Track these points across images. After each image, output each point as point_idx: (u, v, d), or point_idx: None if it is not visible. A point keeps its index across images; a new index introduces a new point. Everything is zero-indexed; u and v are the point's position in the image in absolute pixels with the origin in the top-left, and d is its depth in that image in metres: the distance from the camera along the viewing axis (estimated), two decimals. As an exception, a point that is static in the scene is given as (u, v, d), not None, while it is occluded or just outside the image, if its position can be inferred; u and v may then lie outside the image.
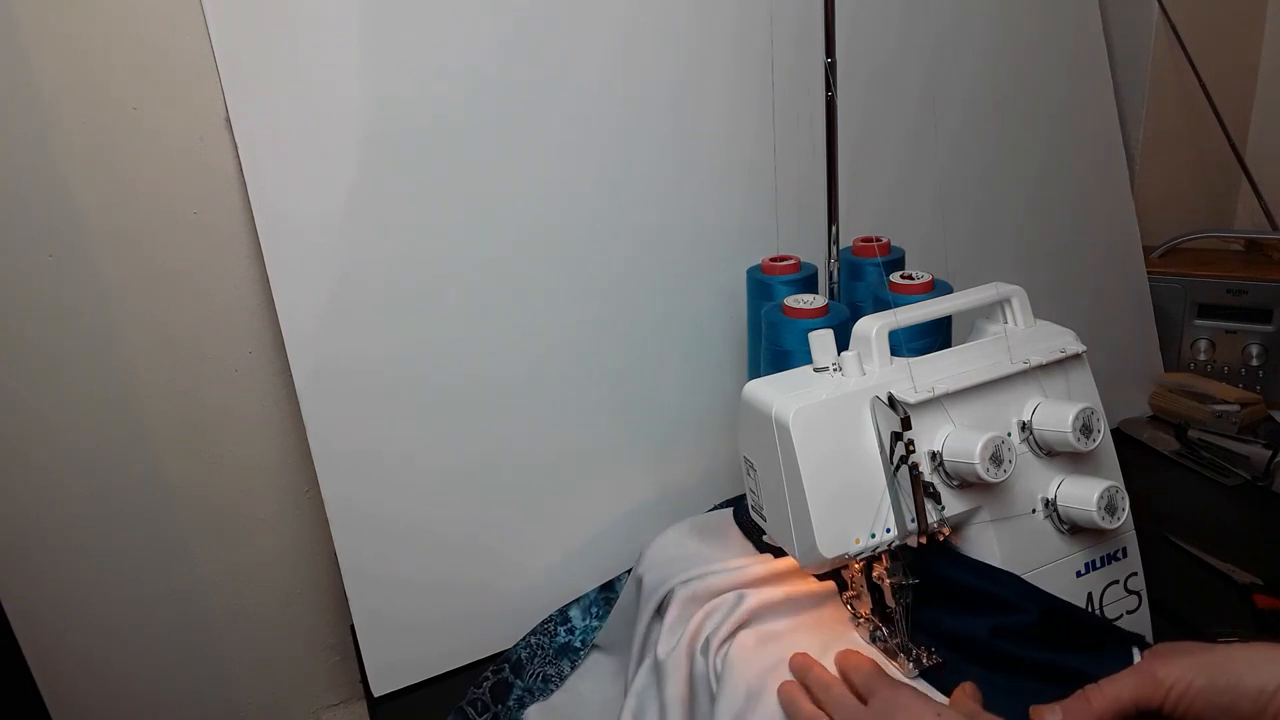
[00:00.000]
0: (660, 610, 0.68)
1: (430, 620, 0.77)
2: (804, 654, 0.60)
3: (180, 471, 0.79)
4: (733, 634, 0.63)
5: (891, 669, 0.60)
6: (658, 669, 0.65)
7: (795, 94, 0.81)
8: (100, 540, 0.78)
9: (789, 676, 0.60)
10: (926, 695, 0.53)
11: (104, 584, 0.79)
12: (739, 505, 0.75)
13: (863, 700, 0.55)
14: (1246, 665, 0.46)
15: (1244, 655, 0.47)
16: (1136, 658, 0.53)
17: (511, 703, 0.72)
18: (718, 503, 0.79)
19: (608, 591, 0.79)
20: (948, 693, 0.57)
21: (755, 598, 0.64)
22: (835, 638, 0.62)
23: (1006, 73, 0.95)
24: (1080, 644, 0.59)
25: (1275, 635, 0.70)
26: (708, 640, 0.63)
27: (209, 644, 0.85)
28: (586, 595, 0.79)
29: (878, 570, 0.61)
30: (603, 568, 0.81)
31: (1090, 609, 0.64)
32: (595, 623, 0.78)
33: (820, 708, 0.55)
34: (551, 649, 0.76)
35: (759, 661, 0.61)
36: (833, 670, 0.59)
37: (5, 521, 0.74)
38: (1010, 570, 0.62)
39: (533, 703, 0.72)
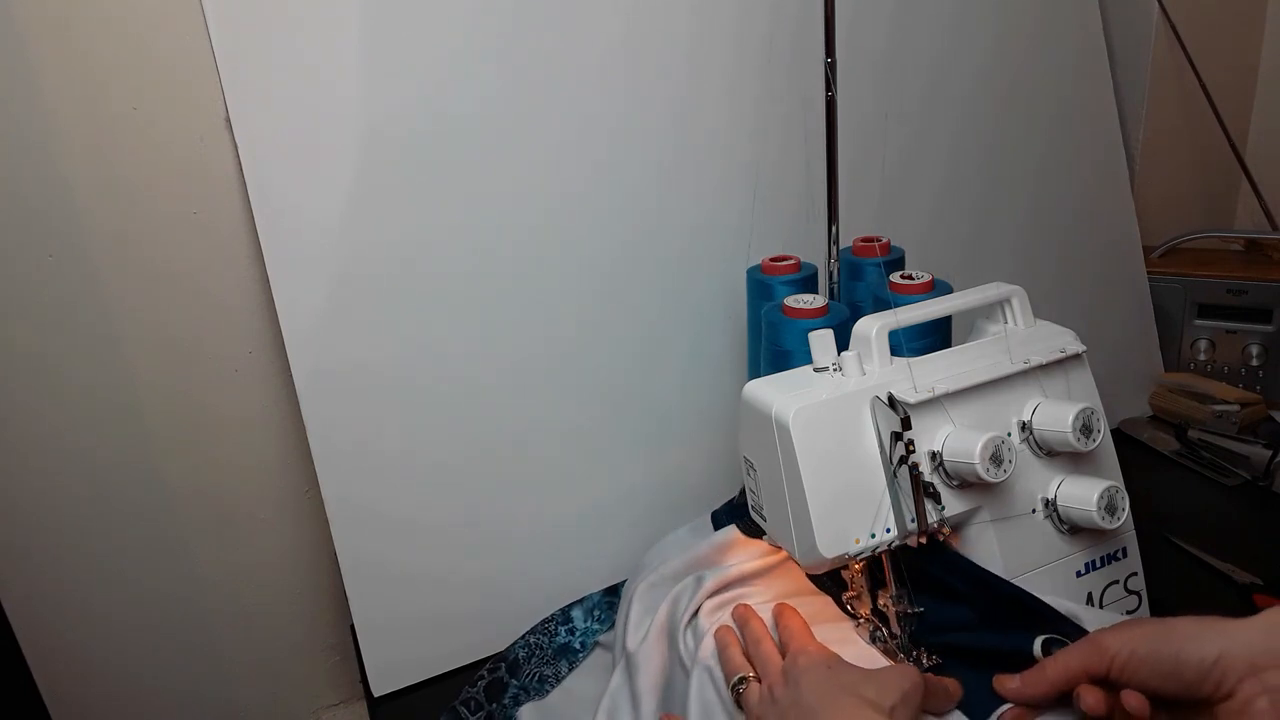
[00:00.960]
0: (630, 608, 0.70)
1: (430, 620, 0.77)
2: (745, 605, 0.64)
3: (180, 471, 0.79)
4: (697, 611, 0.66)
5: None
6: (629, 663, 0.65)
7: (795, 94, 0.81)
8: (100, 540, 0.78)
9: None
10: (832, 653, 0.57)
11: (104, 584, 0.79)
12: (722, 507, 0.76)
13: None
14: (1188, 636, 0.48)
15: (1186, 627, 0.49)
16: (1036, 648, 0.55)
17: (506, 701, 0.72)
18: (721, 504, 0.79)
19: (611, 595, 0.79)
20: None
21: (712, 579, 0.67)
22: (782, 594, 0.67)
23: (1006, 73, 0.95)
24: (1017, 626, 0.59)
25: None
26: (676, 623, 0.65)
27: (209, 644, 0.85)
28: (590, 596, 0.79)
29: (883, 599, 0.61)
30: (603, 568, 0.81)
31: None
32: (597, 625, 0.78)
33: (748, 660, 0.60)
34: (551, 649, 0.76)
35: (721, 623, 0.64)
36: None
37: (5, 521, 0.74)
38: (1009, 571, 0.62)
39: (528, 701, 0.72)
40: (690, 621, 0.66)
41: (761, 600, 0.66)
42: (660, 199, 0.81)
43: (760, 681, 0.57)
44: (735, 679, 0.58)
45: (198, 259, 0.75)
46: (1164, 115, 1.10)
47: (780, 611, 0.63)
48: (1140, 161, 1.09)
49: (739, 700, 0.58)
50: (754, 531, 0.71)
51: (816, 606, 0.66)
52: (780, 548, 0.68)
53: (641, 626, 0.67)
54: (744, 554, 0.70)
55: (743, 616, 0.63)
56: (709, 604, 0.66)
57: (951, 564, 0.62)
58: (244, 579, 0.84)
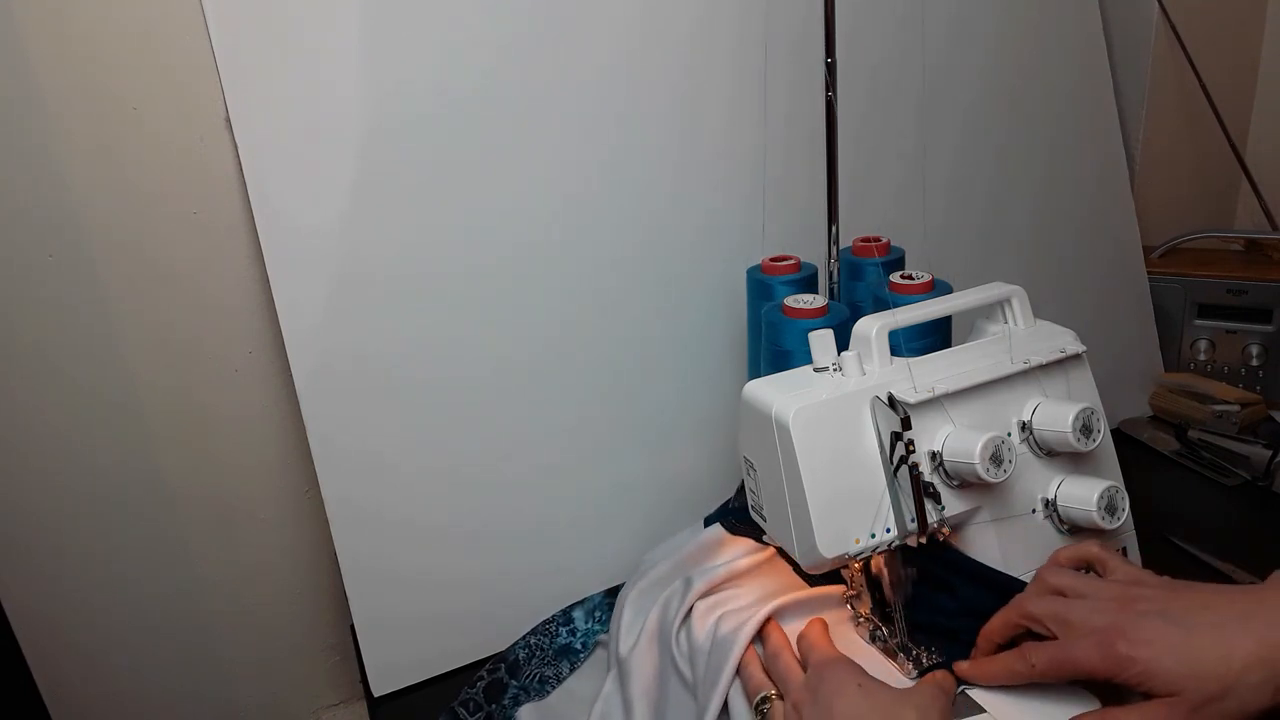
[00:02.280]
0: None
1: (430, 620, 0.77)
2: (774, 624, 0.62)
3: (180, 471, 0.79)
4: (688, 614, 0.65)
5: (891, 669, 0.60)
6: (621, 669, 0.65)
7: (796, 94, 0.81)
8: (100, 540, 0.78)
9: (731, 626, 0.62)
10: (857, 666, 0.55)
11: (104, 584, 0.79)
12: (715, 512, 0.76)
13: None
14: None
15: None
16: None
17: (506, 701, 0.72)
18: (715, 508, 0.79)
19: (613, 596, 0.79)
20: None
21: (701, 581, 0.67)
22: (773, 593, 0.65)
23: (1006, 73, 0.95)
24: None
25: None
26: (668, 627, 0.65)
27: (209, 644, 0.85)
28: (591, 597, 0.79)
29: (876, 563, 0.61)
30: (603, 568, 0.81)
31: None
32: (598, 626, 0.78)
33: (768, 675, 0.58)
34: (551, 649, 0.76)
35: (712, 624, 0.64)
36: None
37: (5, 521, 0.74)
38: (1011, 570, 0.62)
39: (527, 701, 0.72)
40: (683, 623, 0.65)
41: (753, 599, 0.66)
42: (660, 200, 0.81)
43: (783, 699, 0.56)
44: (757, 699, 0.57)
45: (198, 259, 0.75)
46: (1164, 115, 1.10)
47: (807, 626, 0.61)
48: (1140, 161, 1.09)
49: None
50: (738, 530, 0.71)
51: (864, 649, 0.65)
52: (766, 544, 0.69)
53: (633, 631, 0.68)
54: (731, 552, 0.70)
55: (765, 632, 0.62)
56: (701, 605, 0.66)
57: (952, 563, 0.62)
58: (244, 579, 0.84)
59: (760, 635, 0.62)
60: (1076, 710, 0.52)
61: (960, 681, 0.56)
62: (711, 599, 0.66)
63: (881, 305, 0.68)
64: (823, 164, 0.72)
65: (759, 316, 0.73)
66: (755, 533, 0.70)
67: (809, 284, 0.74)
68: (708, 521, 0.77)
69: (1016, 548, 0.63)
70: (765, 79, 0.81)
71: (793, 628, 0.63)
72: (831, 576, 0.66)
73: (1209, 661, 0.46)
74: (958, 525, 0.63)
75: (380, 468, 0.74)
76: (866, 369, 0.61)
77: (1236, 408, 0.97)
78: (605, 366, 0.81)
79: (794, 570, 0.68)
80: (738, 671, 0.60)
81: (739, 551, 0.70)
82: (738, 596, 0.66)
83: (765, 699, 0.56)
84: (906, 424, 0.57)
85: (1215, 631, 0.47)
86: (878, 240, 0.77)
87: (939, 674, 0.56)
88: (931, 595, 0.62)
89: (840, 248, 0.75)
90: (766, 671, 0.59)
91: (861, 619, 0.63)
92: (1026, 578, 0.62)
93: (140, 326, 0.75)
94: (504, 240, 0.76)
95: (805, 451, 0.58)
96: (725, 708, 0.59)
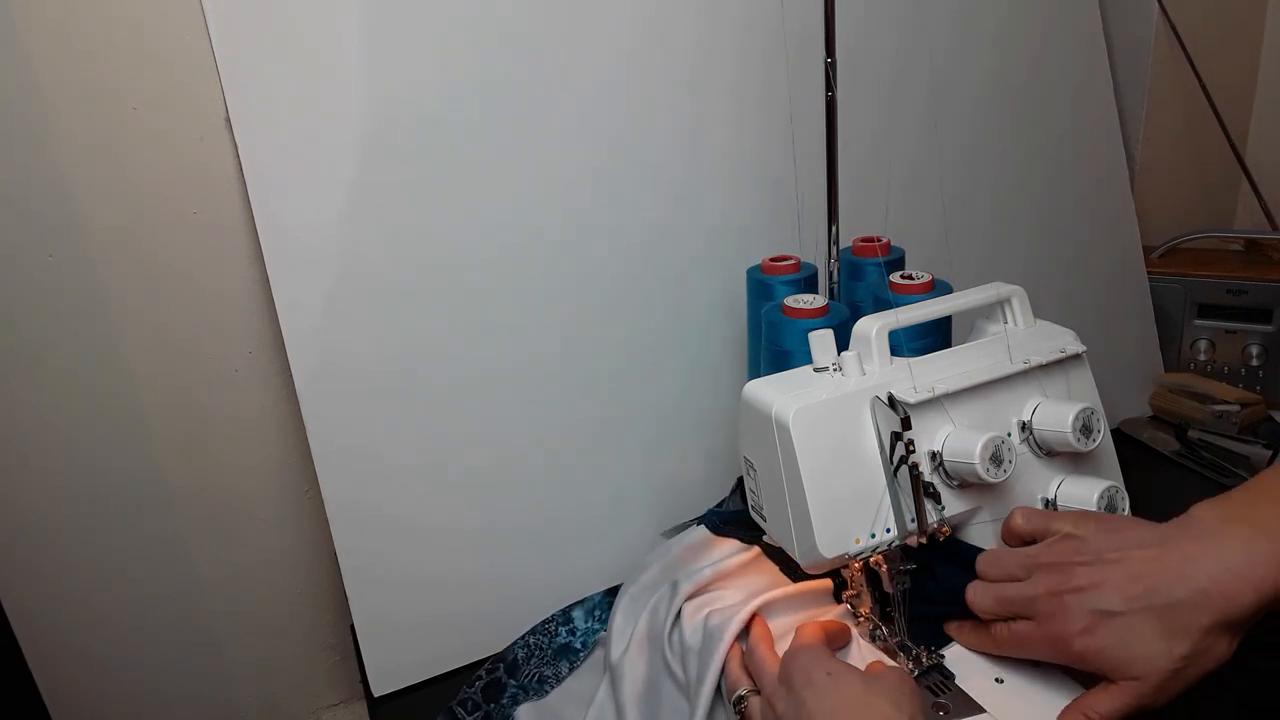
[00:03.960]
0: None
1: (430, 620, 0.77)
2: (758, 618, 0.63)
3: (180, 471, 0.79)
4: (678, 615, 0.66)
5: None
6: (612, 674, 0.66)
7: (797, 94, 0.81)
8: (100, 540, 0.78)
9: (718, 622, 0.63)
10: (826, 654, 0.55)
11: (104, 584, 0.79)
12: (706, 514, 0.77)
13: None
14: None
15: None
16: None
17: (505, 701, 0.72)
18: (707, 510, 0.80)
19: (613, 596, 0.79)
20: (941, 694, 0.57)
21: (688, 584, 0.67)
22: (759, 591, 0.66)
23: (1007, 73, 0.95)
24: None
25: (1277, 635, 0.70)
26: (659, 631, 0.65)
27: (209, 644, 0.85)
28: (591, 597, 0.79)
29: (875, 557, 0.61)
30: (603, 568, 0.81)
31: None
32: (598, 625, 0.78)
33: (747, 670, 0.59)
34: (551, 649, 0.76)
35: (700, 622, 0.64)
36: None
37: (5, 521, 0.74)
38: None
39: (526, 701, 0.72)
40: (674, 625, 0.65)
41: (740, 597, 0.66)
42: (661, 200, 0.81)
43: (759, 694, 0.56)
44: (734, 696, 0.57)
45: (198, 259, 0.75)
46: (1164, 115, 1.10)
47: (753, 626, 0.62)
48: (1140, 161, 1.09)
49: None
50: (723, 530, 0.71)
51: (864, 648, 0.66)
52: (750, 544, 0.69)
53: (623, 637, 0.68)
54: (717, 553, 0.71)
55: (750, 626, 0.62)
56: (689, 606, 0.66)
57: (952, 551, 0.62)
58: (244, 579, 0.84)
59: (746, 631, 0.62)
60: None
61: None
62: (700, 599, 0.66)
63: (881, 305, 0.68)
64: (823, 164, 0.72)
65: (759, 316, 0.73)
66: (740, 533, 0.70)
67: (809, 284, 0.74)
68: (698, 523, 0.77)
69: (1016, 548, 0.63)
70: (790, 81, 0.81)
71: (779, 623, 0.63)
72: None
73: (1155, 640, 0.48)
74: (958, 525, 0.63)
75: (380, 468, 0.74)
76: (866, 369, 0.61)
77: (1236, 408, 0.97)
78: (605, 366, 0.81)
79: (780, 569, 0.68)
80: (723, 667, 0.60)
81: (725, 552, 0.70)
82: (724, 596, 0.66)
83: (741, 697, 0.56)
84: (906, 424, 0.57)
85: (1152, 614, 0.48)
86: (878, 240, 0.77)
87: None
88: (917, 581, 0.62)
89: (840, 248, 0.75)
90: (746, 668, 0.59)
91: (861, 618, 0.63)
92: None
93: (140, 326, 0.75)
94: (504, 240, 0.76)
95: (805, 451, 0.58)
96: (719, 703, 0.60)
